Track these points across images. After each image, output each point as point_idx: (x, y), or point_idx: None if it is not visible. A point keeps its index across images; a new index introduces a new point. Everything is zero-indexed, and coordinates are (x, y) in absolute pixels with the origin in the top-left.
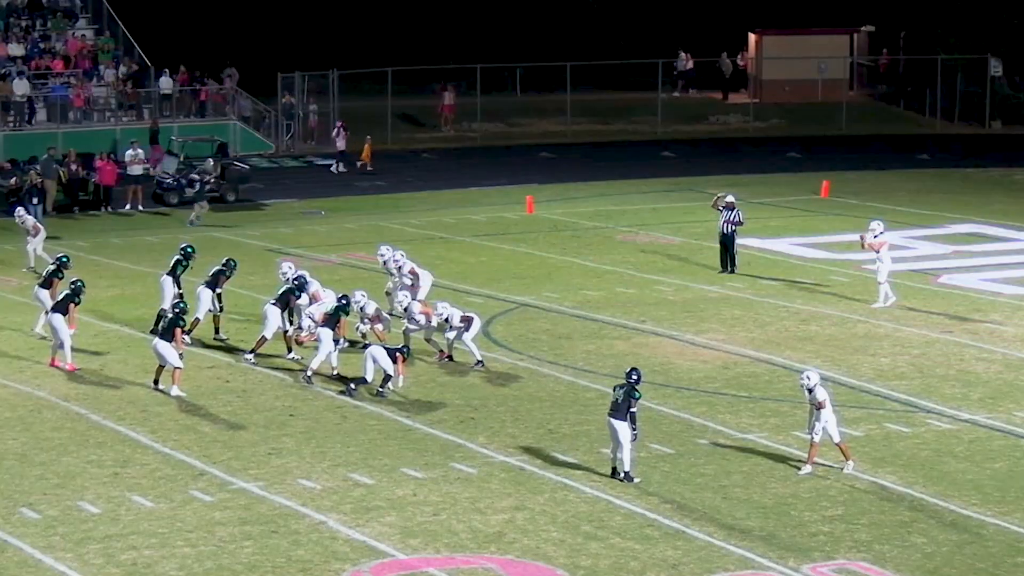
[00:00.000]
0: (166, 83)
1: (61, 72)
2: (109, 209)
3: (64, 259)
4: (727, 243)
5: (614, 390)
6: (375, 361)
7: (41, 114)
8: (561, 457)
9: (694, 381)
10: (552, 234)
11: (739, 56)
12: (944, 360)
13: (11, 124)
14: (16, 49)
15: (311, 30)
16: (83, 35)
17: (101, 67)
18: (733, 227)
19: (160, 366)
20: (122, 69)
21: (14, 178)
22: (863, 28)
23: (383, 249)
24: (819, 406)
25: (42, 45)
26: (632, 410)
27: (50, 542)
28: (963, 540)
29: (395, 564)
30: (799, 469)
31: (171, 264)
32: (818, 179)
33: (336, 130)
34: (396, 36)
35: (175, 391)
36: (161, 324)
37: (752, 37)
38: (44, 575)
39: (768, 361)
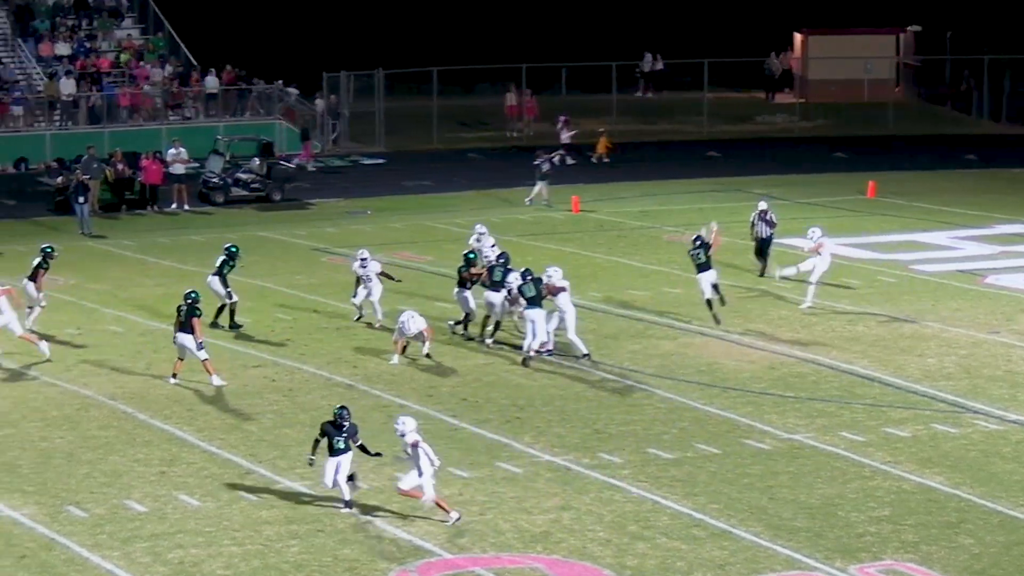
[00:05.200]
0: (212, 82)
1: (108, 71)
2: (155, 208)
3: (48, 249)
4: (763, 247)
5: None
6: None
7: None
8: (607, 457)
9: (740, 381)
10: (598, 234)
11: (780, 56)
12: (991, 361)
13: (57, 123)
14: (62, 48)
15: (357, 30)
16: (129, 34)
17: (147, 66)
18: (770, 230)
19: (179, 359)
20: (168, 68)
21: (60, 177)
22: (909, 28)
23: (480, 227)
24: (414, 445)
25: (88, 45)
26: None
27: (97, 540)
28: (1011, 541)
29: (441, 563)
30: (447, 521)
31: (217, 264)
32: (864, 179)
33: (560, 123)
34: (441, 36)
35: (216, 380)
36: (179, 317)
37: (798, 37)
38: (91, 573)
39: (814, 361)
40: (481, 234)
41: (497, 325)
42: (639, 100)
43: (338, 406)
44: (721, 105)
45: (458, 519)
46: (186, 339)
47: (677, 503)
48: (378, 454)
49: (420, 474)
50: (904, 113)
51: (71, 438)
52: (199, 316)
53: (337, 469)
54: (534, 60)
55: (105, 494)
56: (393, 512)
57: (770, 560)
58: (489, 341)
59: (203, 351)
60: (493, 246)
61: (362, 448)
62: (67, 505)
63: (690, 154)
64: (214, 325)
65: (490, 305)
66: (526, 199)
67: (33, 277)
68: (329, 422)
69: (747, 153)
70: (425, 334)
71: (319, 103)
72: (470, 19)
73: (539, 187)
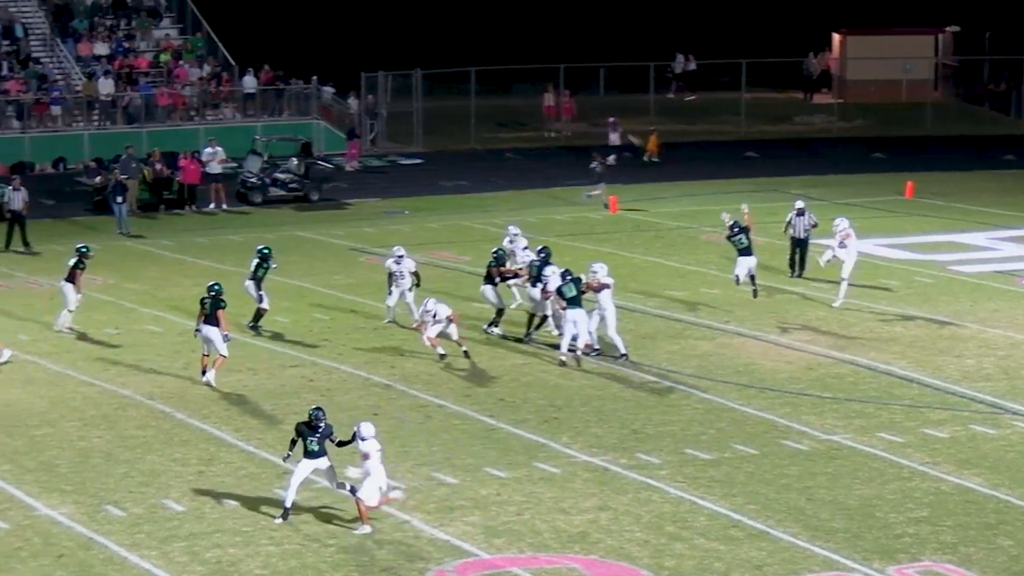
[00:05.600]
0: (250, 82)
1: (146, 71)
2: (193, 208)
3: (84, 249)
4: (800, 247)
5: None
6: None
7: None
8: (645, 457)
9: (778, 382)
10: (635, 234)
11: (818, 56)
12: None
13: (96, 123)
14: (101, 48)
15: (395, 30)
16: (167, 34)
17: (185, 66)
18: (807, 231)
19: (204, 354)
20: (206, 68)
21: (99, 176)
22: (948, 28)
23: (514, 228)
24: (364, 456)
25: (126, 45)
26: None
27: (135, 540)
28: None
29: (479, 564)
30: (357, 529)
31: (252, 268)
32: (903, 180)
33: (610, 124)
34: (479, 36)
35: (210, 375)
36: (203, 309)
37: (836, 37)
38: (129, 572)
39: (853, 362)
40: (515, 235)
41: (543, 320)
42: (677, 101)
43: (313, 407)
44: (759, 105)
45: (369, 533)
46: (211, 331)
47: (715, 503)
48: (349, 442)
49: (371, 477)
50: (943, 113)
51: (109, 437)
52: (224, 308)
53: (304, 475)
54: (572, 60)
55: (143, 493)
56: (430, 512)
57: (808, 561)
58: (535, 335)
59: (226, 346)
60: (525, 248)
61: (340, 444)
62: (105, 504)
63: (728, 154)
64: (251, 327)
65: (533, 301)
66: (586, 194)
67: (71, 278)
68: (304, 423)
69: (785, 153)
70: (452, 319)
71: (352, 102)
72: (508, 19)
73: (601, 188)
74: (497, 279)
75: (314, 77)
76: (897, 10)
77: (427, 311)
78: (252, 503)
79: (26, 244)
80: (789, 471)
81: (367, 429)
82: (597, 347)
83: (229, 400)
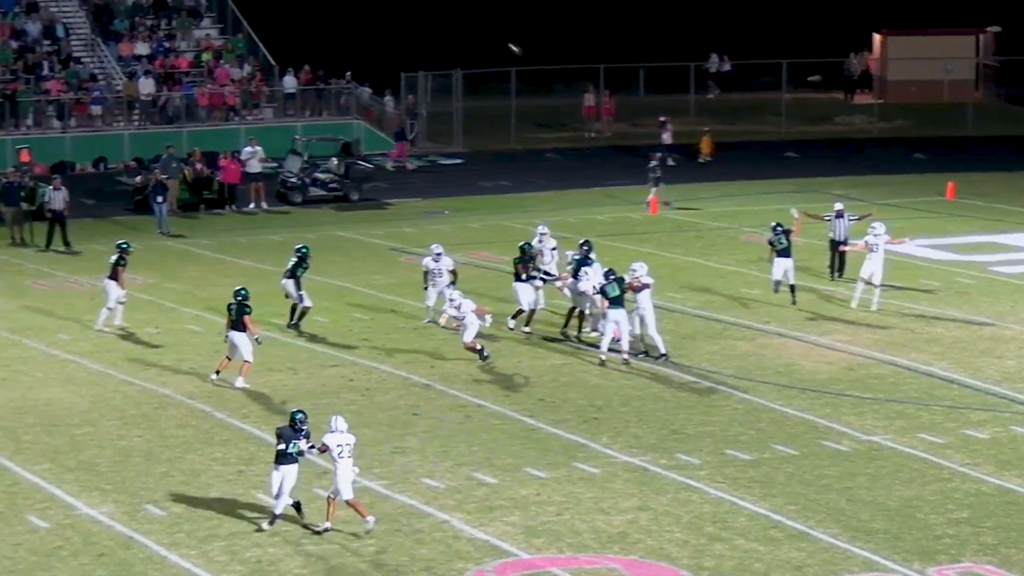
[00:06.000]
0: (290, 82)
1: (186, 71)
2: (233, 208)
3: (124, 245)
4: (839, 247)
5: None
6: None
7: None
8: (685, 457)
9: (818, 383)
10: (676, 234)
11: (859, 57)
12: None
13: (136, 123)
14: (142, 48)
15: (435, 30)
16: (208, 34)
17: (226, 66)
18: (847, 231)
19: (227, 357)
20: (246, 68)
21: (139, 176)
22: (989, 28)
23: (543, 228)
24: (322, 449)
25: (167, 44)
26: None
27: (175, 539)
28: None
29: (518, 564)
30: (318, 527)
31: (290, 266)
32: (944, 180)
33: (660, 124)
34: (520, 36)
35: (240, 383)
36: (230, 315)
37: (877, 38)
38: (169, 571)
39: (893, 363)
40: (543, 234)
41: (582, 316)
42: (717, 100)
43: (296, 410)
44: (800, 106)
45: (325, 530)
46: (237, 337)
47: (755, 504)
48: (319, 448)
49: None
50: (983, 114)
51: (149, 436)
52: (249, 313)
53: (283, 483)
54: (612, 61)
55: (183, 492)
56: (470, 512)
57: (848, 562)
58: (587, 330)
59: (251, 352)
60: (554, 248)
61: (314, 449)
62: (145, 503)
63: (768, 155)
64: (291, 326)
65: (572, 293)
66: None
67: (114, 275)
68: (288, 426)
69: (825, 154)
70: (477, 312)
71: (388, 101)
72: (548, 19)
73: (658, 189)
74: (523, 275)
75: (347, 73)
76: (938, 10)
77: (452, 301)
78: (292, 502)
79: (66, 244)
80: (829, 472)
81: (337, 422)
82: (640, 347)
83: (269, 399)
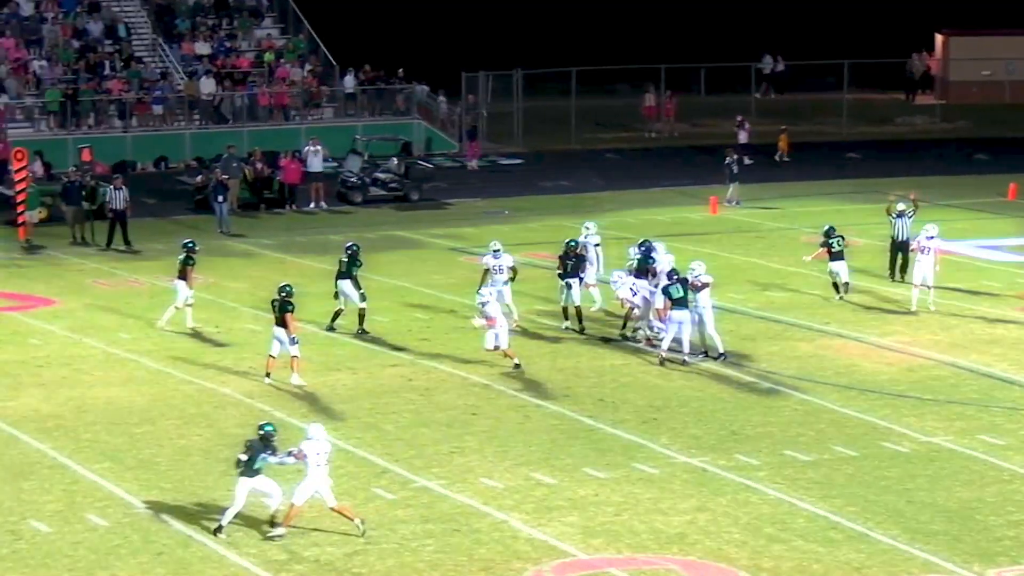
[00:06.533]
0: (350, 82)
1: (247, 71)
2: (293, 207)
3: (190, 244)
4: (901, 249)
5: None
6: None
7: (226, 112)
8: (744, 458)
9: (879, 384)
10: (736, 235)
11: (921, 57)
12: None
13: (197, 122)
14: (202, 48)
15: (496, 30)
16: (269, 34)
17: (287, 66)
18: (908, 233)
19: (270, 356)
20: (307, 68)
21: (200, 176)
22: None
23: (590, 225)
24: (300, 456)
25: (228, 44)
26: None
27: (233, 538)
28: None
29: (577, 564)
30: (271, 530)
31: (343, 266)
32: (1005, 181)
33: (738, 123)
34: (580, 36)
35: (295, 379)
36: (274, 312)
37: (939, 38)
38: (227, 570)
39: (953, 364)
40: (589, 232)
41: (638, 318)
42: (778, 101)
43: (265, 423)
44: (861, 106)
45: (282, 535)
46: (281, 333)
47: (814, 505)
48: (296, 455)
49: (306, 480)
50: None
51: (208, 435)
52: (291, 311)
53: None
54: (672, 61)
55: None
56: (528, 512)
57: (907, 563)
58: (642, 333)
59: (296, 347)
60: (597, 245)
61: (291, 456)
62: (204, 502)
63: (830, 155)
64: (330, 329)
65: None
66: (725, 199)
67: (182, 275)
68: (258, 439)
69: (887, 155)
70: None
71: (441, 101)
72: (609, 19)
73: (732, 187)
74: (558, 271)
75: (399, 70)
76: (1000, 10)
77: (482, 298)
78: (350, 502)
79: (127, 243)
80: (889, 473)
81: (314, 430)
82: (703, 349)
83: (328, 399)
